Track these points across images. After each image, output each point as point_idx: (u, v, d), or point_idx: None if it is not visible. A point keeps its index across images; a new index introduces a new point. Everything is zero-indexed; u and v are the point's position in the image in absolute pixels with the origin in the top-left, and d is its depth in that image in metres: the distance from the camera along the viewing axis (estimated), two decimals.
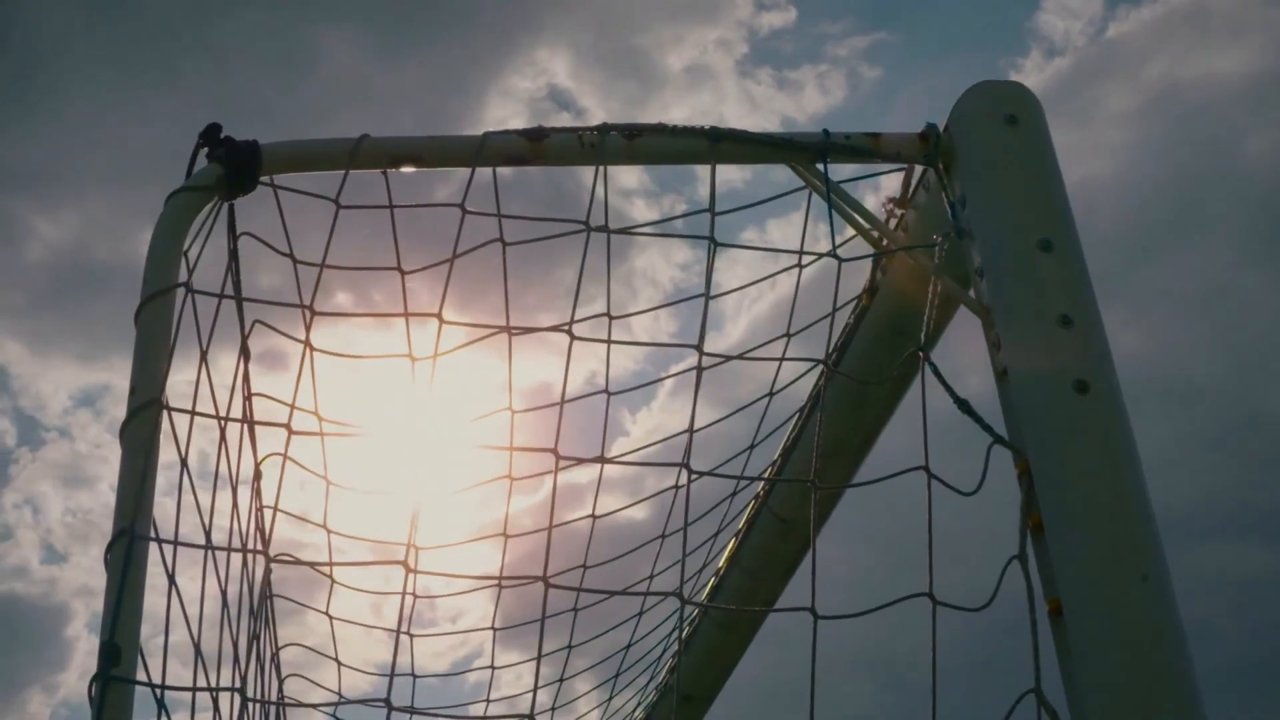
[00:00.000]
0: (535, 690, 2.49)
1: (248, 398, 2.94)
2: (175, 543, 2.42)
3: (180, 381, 2.48)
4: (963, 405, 2.49)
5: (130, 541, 2.14)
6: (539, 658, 2.42)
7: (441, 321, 2.46)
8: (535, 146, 2.57)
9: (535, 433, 3.02)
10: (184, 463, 2.42)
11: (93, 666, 2.09)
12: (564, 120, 2.75)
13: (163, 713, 2.22)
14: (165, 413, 2.33)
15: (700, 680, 4.80)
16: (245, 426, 2.93)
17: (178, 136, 2.57)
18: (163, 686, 2.22)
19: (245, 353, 2.83)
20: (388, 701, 2.23)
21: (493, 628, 3.87)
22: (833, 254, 2.70)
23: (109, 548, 2.16)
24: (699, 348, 2.54)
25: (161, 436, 2.30)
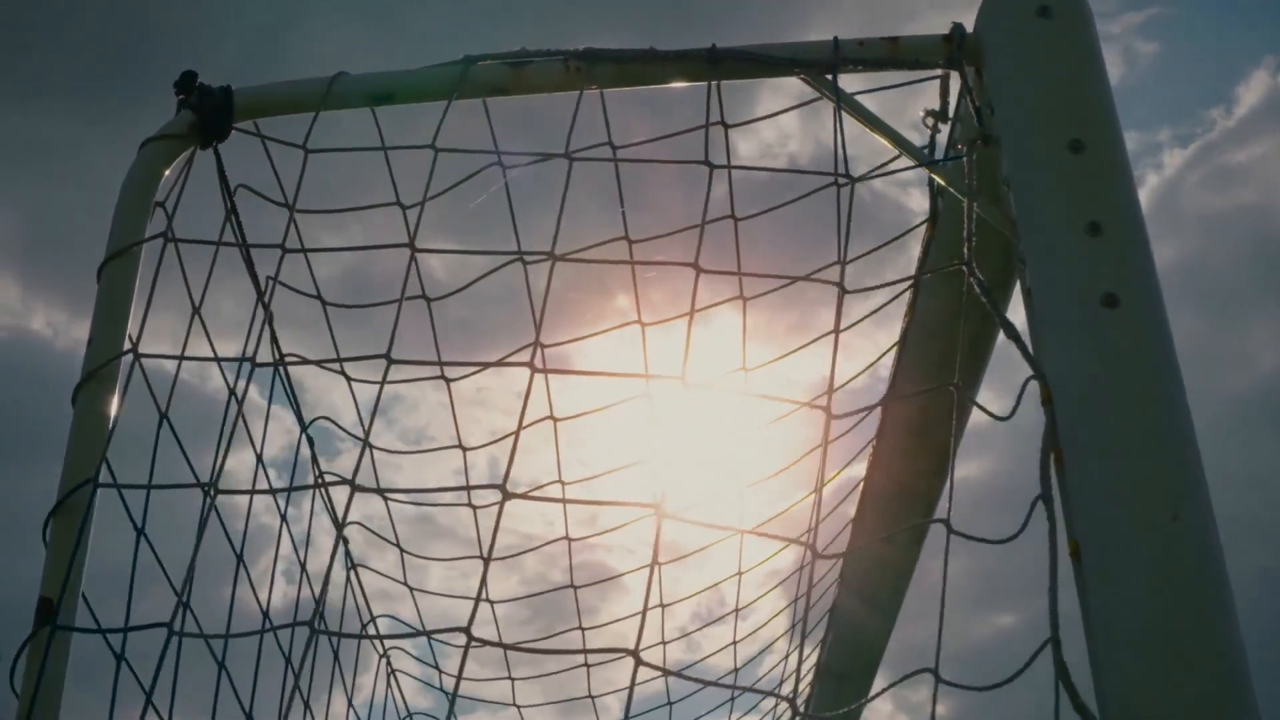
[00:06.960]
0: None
1: (280, 359, 2.86)
2: (219, 490, 2.35)
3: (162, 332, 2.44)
4: (1008, 328, 2.22)
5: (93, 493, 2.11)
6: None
7: (414, 250, 2.35)
8: (517, 74, 2.41)
9: None
10: (165, 416, 2.36)
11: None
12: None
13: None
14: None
15: (853, 658, 4.56)
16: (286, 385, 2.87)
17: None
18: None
19: (268, 315, 2.75)
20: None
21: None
22: (842, 174, 2.45)
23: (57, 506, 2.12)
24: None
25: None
